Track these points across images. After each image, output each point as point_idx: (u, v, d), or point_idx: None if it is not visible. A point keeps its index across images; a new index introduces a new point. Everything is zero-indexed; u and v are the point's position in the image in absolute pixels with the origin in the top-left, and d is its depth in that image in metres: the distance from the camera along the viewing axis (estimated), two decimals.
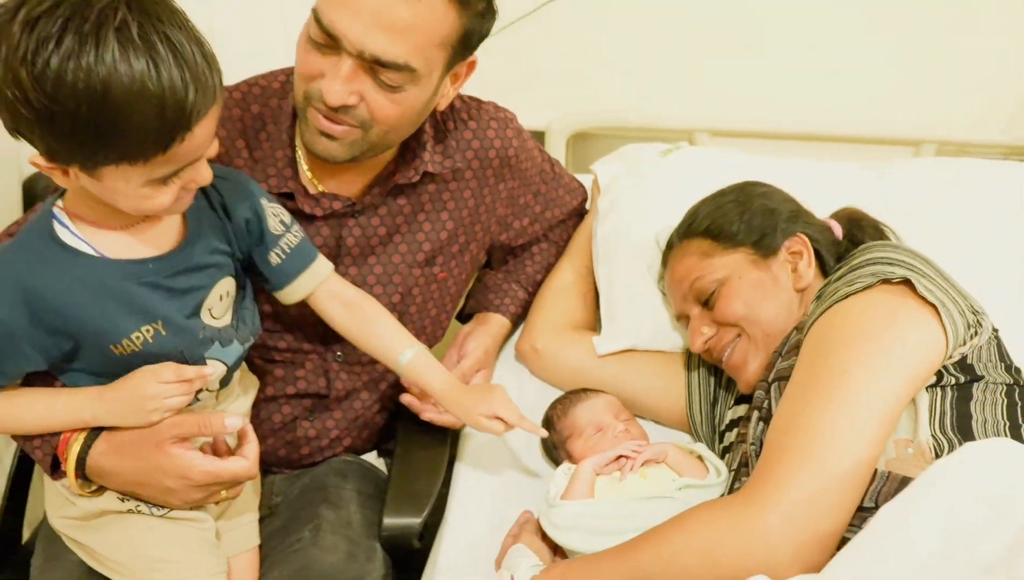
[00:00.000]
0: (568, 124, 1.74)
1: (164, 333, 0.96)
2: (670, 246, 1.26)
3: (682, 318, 1.25)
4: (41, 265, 0.92)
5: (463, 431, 1.32)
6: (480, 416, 1.13)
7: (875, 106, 1.72)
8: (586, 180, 1.51)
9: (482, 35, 1.12)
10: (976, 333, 0.99)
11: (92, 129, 0.80)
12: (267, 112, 1.19)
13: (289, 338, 1.23)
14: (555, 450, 1.25)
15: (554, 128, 1.73)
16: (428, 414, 1.26)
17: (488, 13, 1.10)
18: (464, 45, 1.09)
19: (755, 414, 1.09)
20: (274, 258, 1.08)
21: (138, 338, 0.95)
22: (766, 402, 1.07)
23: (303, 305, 1.18)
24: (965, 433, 0.94)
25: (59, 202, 0.94)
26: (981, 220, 1.37)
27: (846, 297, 0.99)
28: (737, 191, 1.22)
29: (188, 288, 0.98)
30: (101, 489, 1.03)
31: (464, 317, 1.45)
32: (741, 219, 1.18)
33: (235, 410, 1.10)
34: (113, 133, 0.80)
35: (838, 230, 1.22)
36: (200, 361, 1.00)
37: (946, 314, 0.96)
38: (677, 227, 1.25)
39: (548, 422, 1.26)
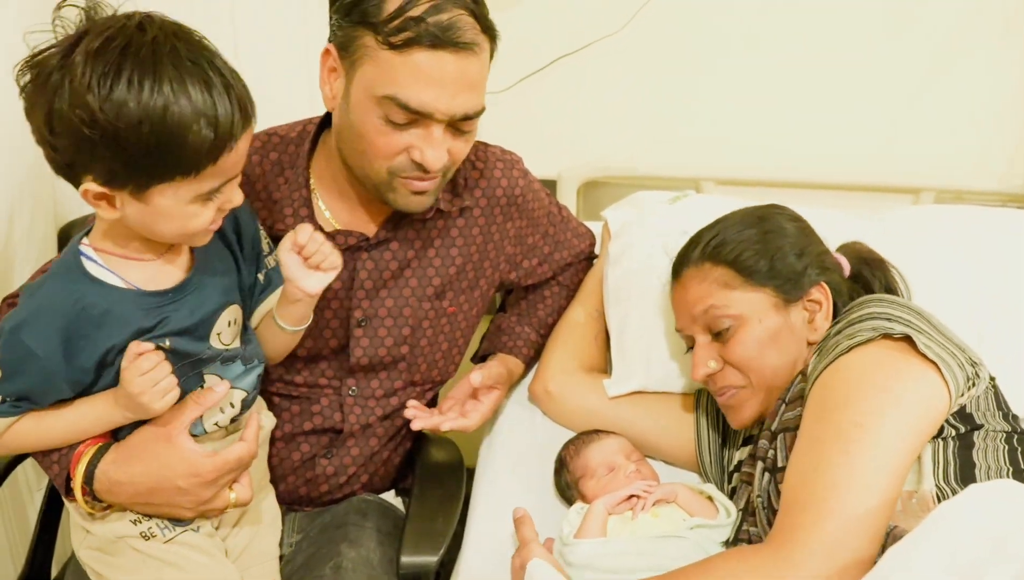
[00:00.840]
0: (579, 173, 1.79)
1: (173, 352, 1.00)
2: (686, 261, 1.21)
3: (682, 335, 1.23)
4: (72, 296, 0.97)
5: (478, 470, 1.35)
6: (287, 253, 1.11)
7: (876, 155, 1.77)
8: (597, 226, 1.55)
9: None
10: (974, 384, 1.01)
11: (154, 146, 0.87)
12: (286, 158, 1.25)
13: (305, 373, 1.28)
14: (568, 490, 1.27)
15: (565, 176, 1.78)
16: (417, 423, 1.28)
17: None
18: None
19: (760, 465, 1.10)
20: (261, 276, 1.14)
21: None
22: (770, 452, 1.09)
23: (318, 339, 1.23)
24: (969, 481, 0.96)
25: (84, 240, 1.00)
26: (980, 264, 1.40)
27: (849, 350, 1.01)
28: (764, 220, 1.19)
29: (199, 316, 1.03)
30: (109, 508, 1.05)
31: (479, 360, 1.48)
32: (771, 258, 1.15)
33: (259, 455, 1.12)
34: (172, 148, 0.88)
35: (847, 267, 1.23)
36: (198, 378, 1.04)
37: (946, 369, 0.98)
38: (698, 243, 1.20)
39: (561, 462, 1.29)
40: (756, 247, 1.16)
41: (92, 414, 1.02)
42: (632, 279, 1.41)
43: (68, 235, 1.42)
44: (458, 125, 1.12)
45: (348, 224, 1.25)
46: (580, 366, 1.42)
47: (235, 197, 0.98)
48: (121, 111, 0.85)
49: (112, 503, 1.05)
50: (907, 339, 1.00)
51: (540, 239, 1.42)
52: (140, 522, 1.06)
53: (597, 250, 1.54)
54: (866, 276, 1.24)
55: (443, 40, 1.05)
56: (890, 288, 1.23)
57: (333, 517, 1.30)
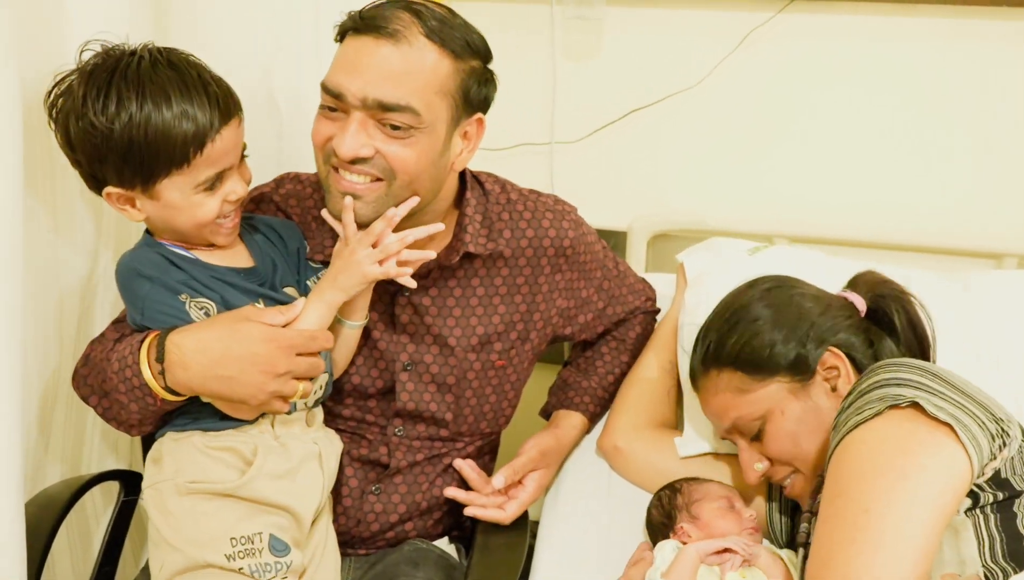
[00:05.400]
0: (649, 225, 1.78)
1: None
2: (695, 372, 1.23)
3: (727, 439, 1.24)
4: (162, 251, 1.09)
5: (543, 520, 1.32)
6: None
7: (956, 218, 1.73)
8: (665, 278, 1.53)
9: (481, 98, 1.17)
10: (1004, 443, 0.95)
11: (148, 145, 1.02)
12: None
13: (352, 408, 1.28)
14: (667, 522, 1.23)
15: (636, 228, 1.77)
16: (471, 510, 1.28)
17: (485, 78, 1.16)
18: (465, 99, 1.14)
19: (801, 551, 1.07)
20: (311, 285, 1.19)
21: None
22: (810, 538, 1.05)
23: (365, 376, 1.26)
24: (1019, 556, 0.91)
25: (148, 237, 1.12)
26: None
27: (856, 427, 0.97)
28: (745, 308, 1.19)
29: (275, 301, 1.13)
30: (180, 398, 1.07)
31: (546, 415, 1.46)
32: (771, 345, 1.15)
33: (330, 452, 1.19)
34: (162, 145, 1.02)
35: (860, 304, 1.20)
36: None
37: (963, 430, 0.93)
38: (700, 352, 1.21)
39: (673, 489, 1.26)
40: (758, 340, 1.16)
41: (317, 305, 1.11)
42: None
43: None
44: (385, 120, 1.10)
45: None
46: (650, 422, 1.39)
47: (237, 188, 1.08)
48: (115, 122, 1.00)
49: (183, 388, 1.06)
50: (915, 405, 0.95)
51: (594, 293, 1.39)
52: (232, 559, 1.05)
53: (662, 302, 1.50)
54: (884, 309, 1.19)
55: (364, 26, 1.10)
56: (912, 321, 1.18)
57: (385, 567, 1.27)
